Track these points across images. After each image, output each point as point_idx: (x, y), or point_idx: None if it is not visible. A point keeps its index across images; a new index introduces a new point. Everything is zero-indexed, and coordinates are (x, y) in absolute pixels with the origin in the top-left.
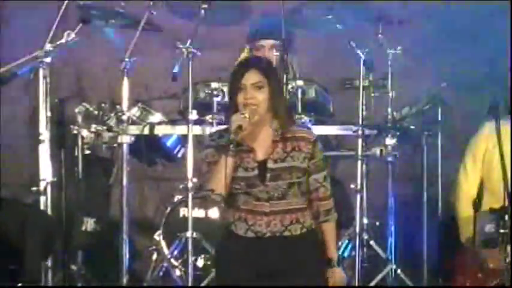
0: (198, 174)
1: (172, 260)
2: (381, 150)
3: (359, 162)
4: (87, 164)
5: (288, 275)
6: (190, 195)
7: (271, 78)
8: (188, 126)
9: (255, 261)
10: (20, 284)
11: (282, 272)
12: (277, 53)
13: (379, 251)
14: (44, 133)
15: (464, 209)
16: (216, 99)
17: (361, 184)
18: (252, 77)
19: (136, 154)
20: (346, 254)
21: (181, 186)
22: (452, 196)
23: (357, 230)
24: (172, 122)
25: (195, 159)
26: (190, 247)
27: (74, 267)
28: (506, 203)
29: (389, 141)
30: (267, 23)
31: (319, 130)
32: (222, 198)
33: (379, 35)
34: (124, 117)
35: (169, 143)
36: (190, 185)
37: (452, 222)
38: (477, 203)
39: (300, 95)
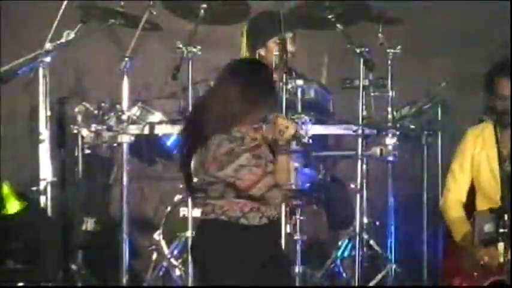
0: (248, 178)
1: (172, 260)
2: (381, 150)
3: (359, 162)
4: (87, 163)
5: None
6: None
7: None
8: None
9: (267, 246)
10: (20, 284)
11: (281, 252)
12: (277, 53)
13: (379, 251)
14: (44, 133)
15: (454, 213)
16: None
17: (361, 184)
18: None
19: (136, 154)
20: (346, 254)
21: (181, 186)
22: (441, 201)
23: (357, 230)
24: (172, 122)
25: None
26: (190, 247)
27: (74, 267)
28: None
29: (389, 141)
30: (277, 15)
31: (319, 130)
32: None
33: (379, 35)
34: (124, 117)
35: (169, 142)
36: None
37: None
38: (470, 207)
39: (300, 95)
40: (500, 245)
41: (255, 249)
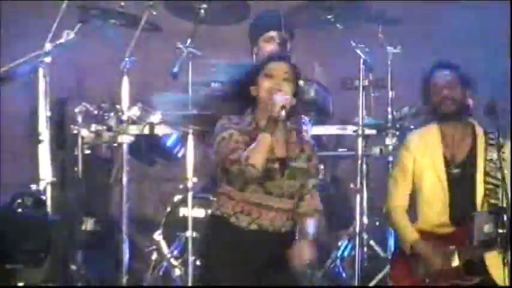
0: (224, 151)
1: (172, 260)
2: (381, 150)
3: (359, 162)
4: (87, 164)
5: (280, 268)
6: (190, 194)
7: (296, 76)
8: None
9: (254, 253)
10: (20, 284)
11: (276, 265)
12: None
13: (379, 251)
14: (44, 133)
15: (400, 219)
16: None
17: (361, 184)
18: (282, 68)
19: (136, 154)
20: (346, 254)
21: (181, 186)
22: (384, 207)
23: (357, 230)
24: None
25: (195, 159)
26: (190, 247)
27: (74, 267)
28: (505, 204)
29: (389, 141)
30: (272, 15)
31: (319, 130)
32: (257, 175)
33: (379, 35)
34: (124, 117)
35: (169, 143)
36: (190, 185)
37: None
38: (411, 213)
39: (300, 95)
40: (452, 248)
41: (242, 251)
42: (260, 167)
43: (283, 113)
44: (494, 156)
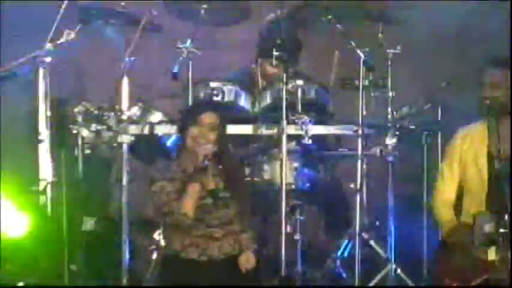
0: (157, 205)
1: None
2: (381, 150)
3: (359, 162)
4: (87, 164)
5: None
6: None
7: (223, 124)
8: None
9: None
10: (20, 284)
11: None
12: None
13: (379, 251)
14: (44, 133)
15: (444, 213)
16: (216, 99)
17: (361, 184)
18: (209, 116)
19: (136, 154)
20: (346, 254)
21: None
22: (432, 201)
23: (357, 230)
24: (172, 122)
25: None
26: None
27: (74, 267)
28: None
29: (389, 141)
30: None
31: (319, 130)
32: (189, 222)
33: (379, 35)
34: (124, 117)
35: (169, 143)
36: None
37: None
38: (457, 206)
39: (300, 95)
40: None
41: (195, 284)
42: (192, 214)
43: (206, 161)
44: None
